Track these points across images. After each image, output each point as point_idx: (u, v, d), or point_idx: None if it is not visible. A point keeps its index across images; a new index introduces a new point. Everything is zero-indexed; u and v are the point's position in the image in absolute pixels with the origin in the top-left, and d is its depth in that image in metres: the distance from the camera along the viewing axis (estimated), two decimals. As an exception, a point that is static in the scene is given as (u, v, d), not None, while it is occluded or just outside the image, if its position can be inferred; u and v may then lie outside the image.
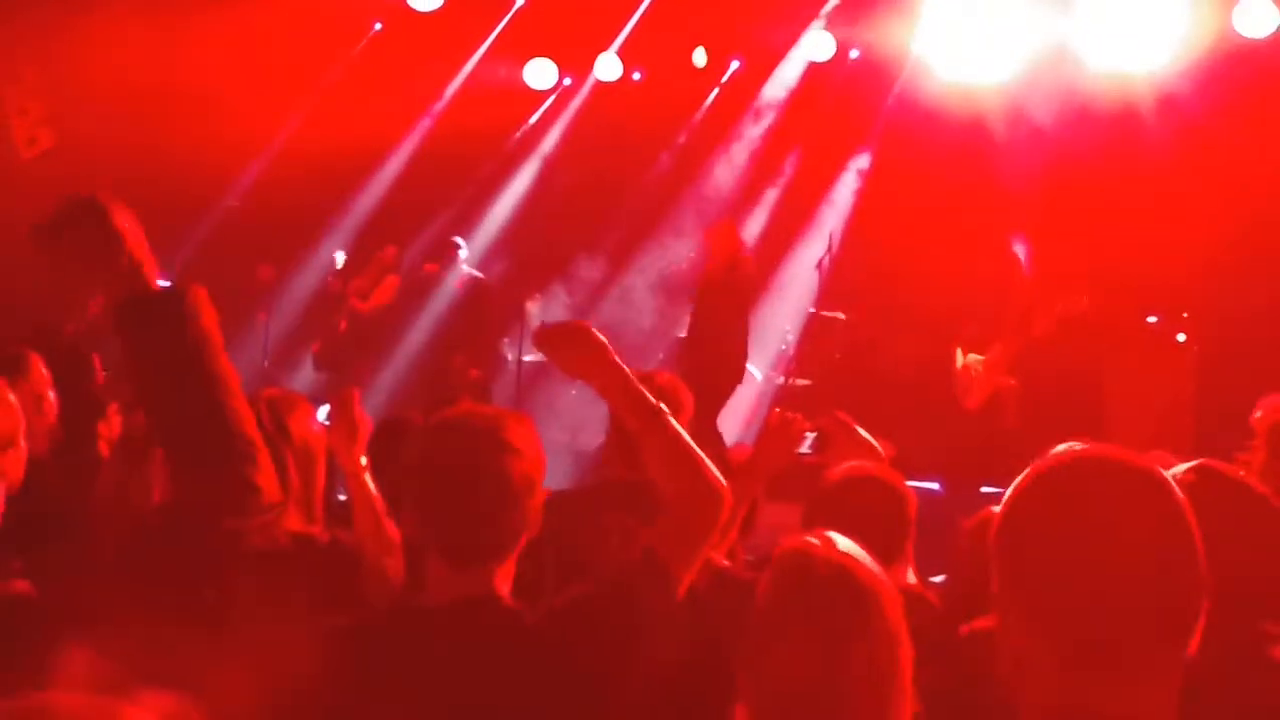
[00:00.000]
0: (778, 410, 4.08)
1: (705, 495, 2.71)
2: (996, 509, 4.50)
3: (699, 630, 3.61)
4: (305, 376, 12.86)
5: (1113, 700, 1.63)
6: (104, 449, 4.69)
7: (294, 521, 3.45)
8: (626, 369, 2.77)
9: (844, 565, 2.38)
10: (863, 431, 4.55)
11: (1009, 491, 1.78)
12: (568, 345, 2.83)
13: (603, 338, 2.78)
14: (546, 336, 2.85)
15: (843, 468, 3.99)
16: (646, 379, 3.34)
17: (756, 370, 12.89)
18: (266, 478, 2.33)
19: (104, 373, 6.28)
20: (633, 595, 2.64)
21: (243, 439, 2.30)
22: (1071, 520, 1.69)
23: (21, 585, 2.34)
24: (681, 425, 2.83)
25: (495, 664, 2.57)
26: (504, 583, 2.65)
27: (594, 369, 2.79)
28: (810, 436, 4.17)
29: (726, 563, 3.77)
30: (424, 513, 2.65)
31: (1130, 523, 1.67)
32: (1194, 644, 1.66)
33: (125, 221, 2.43)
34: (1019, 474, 1.77)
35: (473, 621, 2.59)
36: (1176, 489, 1.71)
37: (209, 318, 2.37)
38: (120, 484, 3.32)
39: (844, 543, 2.45)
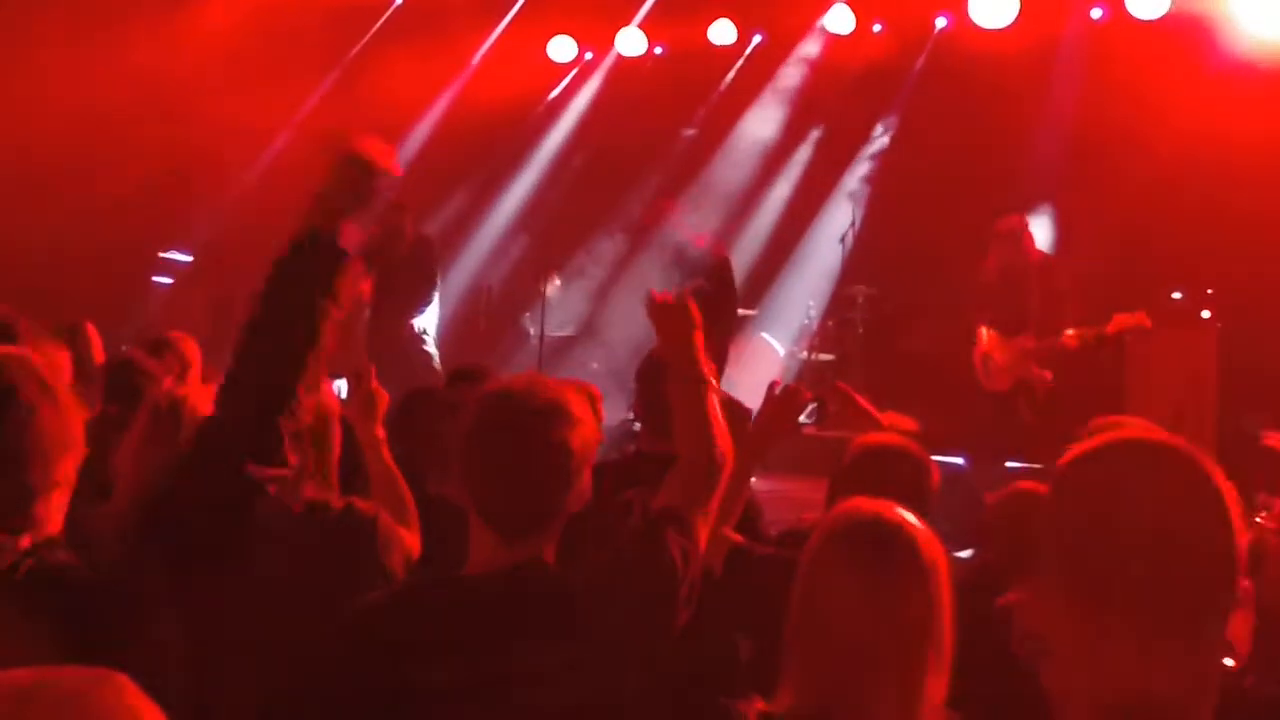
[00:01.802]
0: (778, 381, 4.08)
1: (709, 460, 2.92)
2: (1022, 484, 4.50)
3: (718, 605, 3.61)
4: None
5: (1140, 677, 1.66)
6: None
7: (309, 489, 3.46)
8: (699, 343, 3.10)
9: (892, 517, 2.56)
10: (865, 403, 4.55)
11: (1057, 469, 1.83)
12: (670, 314, 3.14)
13: (699, 319, 3.13)
14: (656, 309, 3.17)
15: (866, 439, 3.99)
16: None
17: (779, 345, 12.88)
18: (292, 442, 2.38)
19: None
20: (665, 549, 2.71)
21: (297, 399, 2.39)
22: (1107, 498, 1.74)
23: (66, 556, 2.37)
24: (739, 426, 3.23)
25: (548, 626, 2.59)
26: (549, 552, 2.68)
27: (677, 335, 3.11)
28: (811, 407, 4.15)
29: (740, 539, 3.77)
30: (481, 482, 2.64)
31: (1165, 503, 1.71)
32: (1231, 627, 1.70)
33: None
34: (1042, 449, 1.84)
35: (524, 586, 2.61)
36: (1216, 472, 1.74)
37: (349, 293, 2.51)
38: (141, 454, 3.33)
39: (888, 503, 2.64)
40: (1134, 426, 3.44)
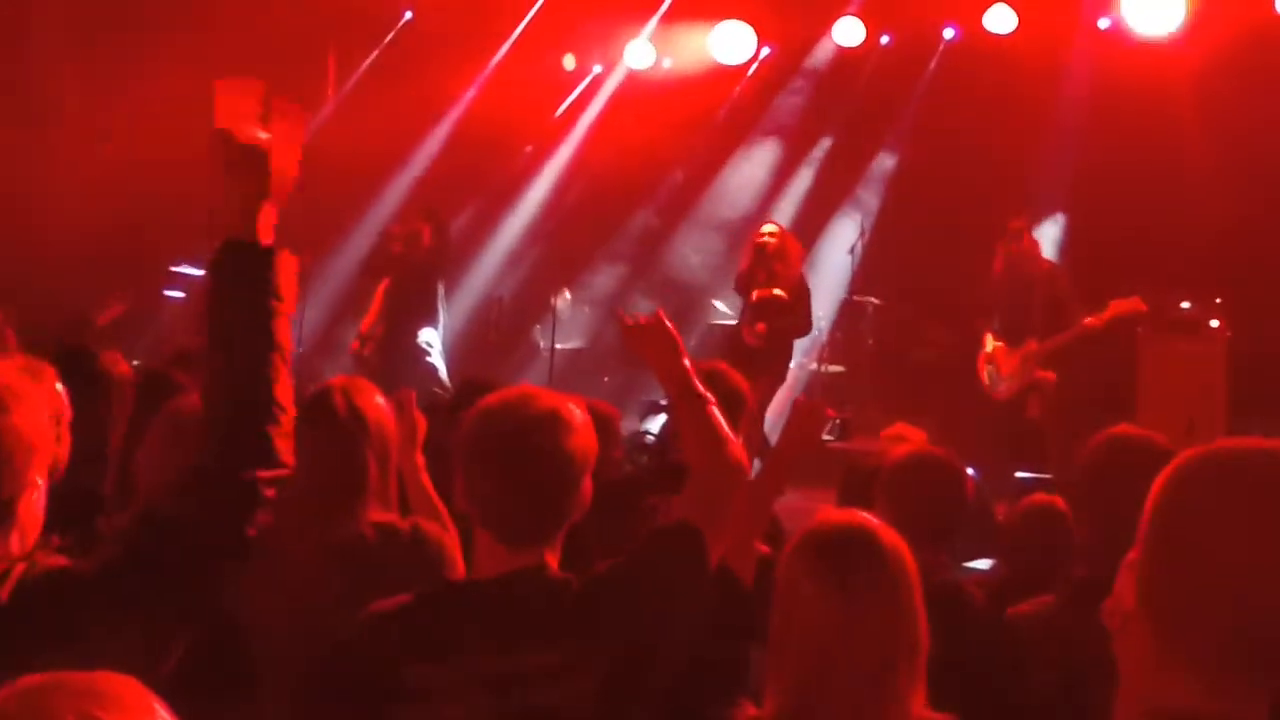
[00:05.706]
0: (802, 396, 4.11)
1: (723, 469, 2.90)
2: (1037, 497, 4.49)
3: (748, 616, 3.64)
4: (341, 363, 12.93)
5: (1197, 708, 1.51)
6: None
7: (374, 510, 3.52)
8: (686, 360, 3.04)
9: (860, 527, 2.62)
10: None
11: (1170, 472, 1.60)
12: (646, 337, 3.10)
13: (676, 336, 3.08)
14: (631, 333, 3.16)
15: (902, 449, 4.01)
16: (711, 372, 3.48)
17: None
18: (284, 444, 2.39)
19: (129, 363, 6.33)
20: (669, 557, 2.73)
21: (278, 402, 2.40)
22: (1242, 514, 1.51)
23: (60, 560, 2.39)
24: (738, 419, 3.39)
25: (548, 629, 2.61)
26: (552, 560, 2.70)
27: (661, 356, 3.06)
28: (834, 423, 4.18)
29: (768, 550, 3.80)
30: (482, 491, 2.67)
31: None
32: None
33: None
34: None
35: (524, 590, 2.63)
36: None
37: (290, 285, 2.46)
38: (162, 457, 3.37)
39: (857, 513, 2.72)
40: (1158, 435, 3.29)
